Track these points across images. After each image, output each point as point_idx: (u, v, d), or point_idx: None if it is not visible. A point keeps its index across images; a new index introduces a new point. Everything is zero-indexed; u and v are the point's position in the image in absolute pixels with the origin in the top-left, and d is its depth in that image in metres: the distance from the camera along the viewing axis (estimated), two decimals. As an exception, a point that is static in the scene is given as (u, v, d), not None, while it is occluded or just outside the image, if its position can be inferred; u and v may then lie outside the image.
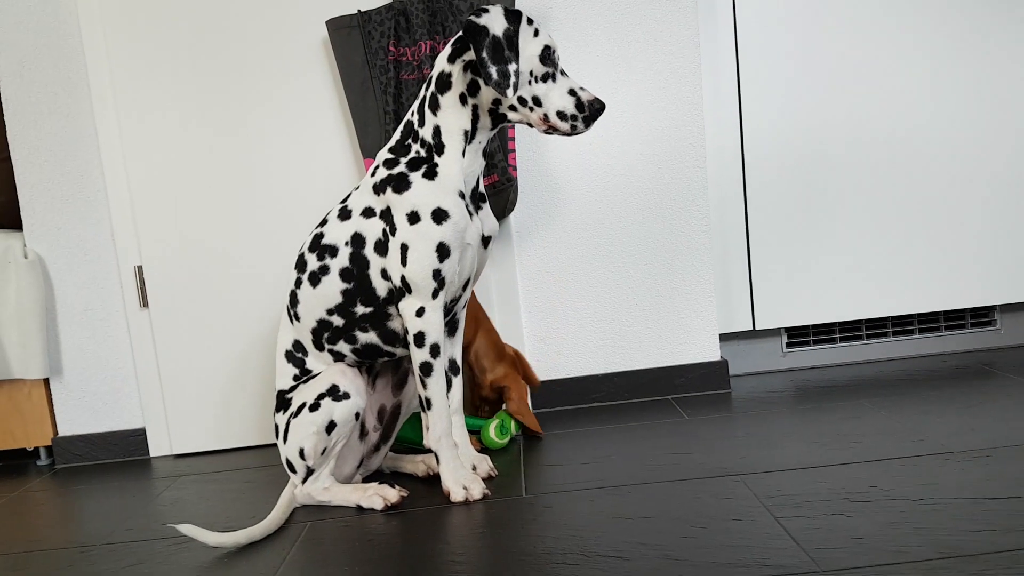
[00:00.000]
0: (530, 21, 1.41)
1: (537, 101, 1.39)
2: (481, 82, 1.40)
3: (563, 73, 1.42)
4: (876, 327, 2.23)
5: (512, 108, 1.41)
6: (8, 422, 2.10)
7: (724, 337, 2.22)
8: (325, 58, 1.95)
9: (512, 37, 1.37)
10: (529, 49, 1.39)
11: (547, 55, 1.39)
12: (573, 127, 1.39)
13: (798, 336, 2.24)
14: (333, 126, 1.98)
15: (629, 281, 2.07)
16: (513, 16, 1.38)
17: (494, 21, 1.37)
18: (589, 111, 1.39)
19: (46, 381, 2.10)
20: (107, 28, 1.95)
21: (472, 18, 1.36)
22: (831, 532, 1.18)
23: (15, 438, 2.11)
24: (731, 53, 2.09)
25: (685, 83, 2.01)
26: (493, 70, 1.35)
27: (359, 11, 1.85)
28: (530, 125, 1.42)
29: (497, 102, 1.41)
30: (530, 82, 1.39)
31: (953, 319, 2.23)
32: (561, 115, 1.39)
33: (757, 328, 2.17)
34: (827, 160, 2.11)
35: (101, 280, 2.06)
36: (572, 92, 1.39)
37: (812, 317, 2.17)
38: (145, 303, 2.04)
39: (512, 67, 1.36)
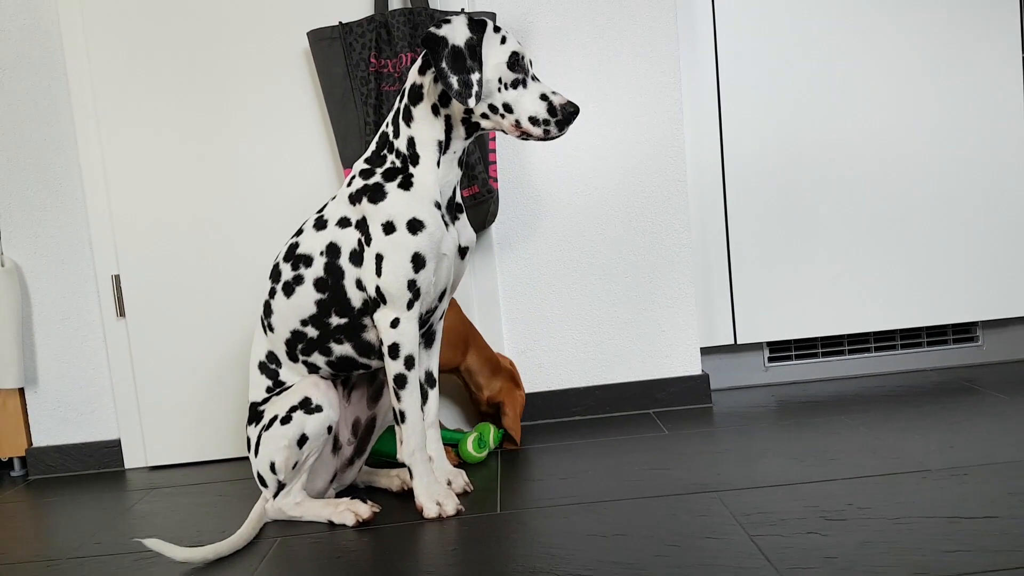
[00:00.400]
0: (497, 29, 1.40)
1: (508, 108, 1.38)
2: None
3: (535, 79, 1.41)
4: (858, 342, 2.23)
5: (484, 116, 1.41)
6: (-19, 432, 2.07)
7: (705, 351, 2.21)
8: (306, 69, 1.95)
9: (475, 46, 1.36)
10: (496, 56, 1.38)
11: (515, 61, 1.38)
12: (546, 132, 1.38)
13: (780, 351, 2.23)
14: (314, 137, 1.97)
15: (610, 294, 2.06)
16: (477, 25, 1.38)
17: (455, 31, 1.36)
18: (562, 115, 1.37)
19: (21, 391, 2.08)
20: (88, 37, 1.94)
21: (432, 29, 1.36)
22: (805, 551, 1.17)
23: (-12, 448, 2.08)
24: (711, 67, 2.09)
25: (665, 97, 2.01)
26: (453, 80, 1.34)
27: (340, 23, 1.84)
28: (505, 132, 1.42)
29: (469, 111, 1.41)
30: (499, 89, 1.38)
31: (935, 335, 2.23)
32: (533, 120, 1.38)
33: (739, 342, 2.17)
34: (809, 174, 2.11)
35: (78, 289, 2.04)
36: (544, 97, 1.38)
37: (794, 332, 2.16)
38: (122, 312, 2.02)
39: (474, 76, 1.35)
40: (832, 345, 2.23)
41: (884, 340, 2.23)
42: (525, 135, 1.39)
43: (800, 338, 2.19)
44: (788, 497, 1.38)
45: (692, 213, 2.13)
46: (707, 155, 2.12)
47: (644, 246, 2.04)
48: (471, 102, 1.35)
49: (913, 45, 2.09)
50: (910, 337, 2.23)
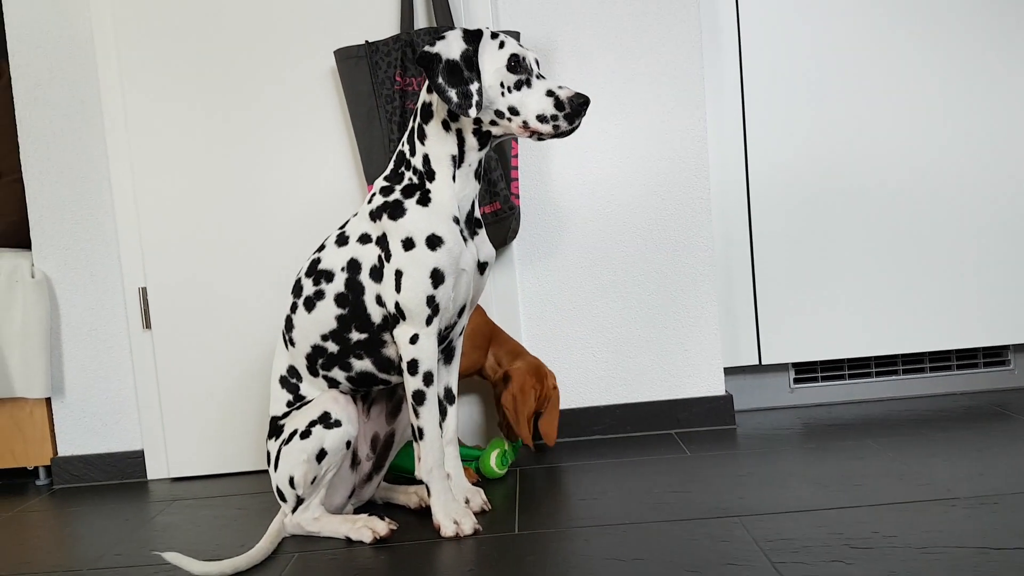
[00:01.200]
0: (495, 35, 1.40)
1: (514, 110, 1.38)
2: None
3: (540, 77, 1.40)
4: (886, 364, 2.19)
5: (492, 123, 1.40)
6: (9, 440, 2.10)
7: (729, 371, 2.18)
8: (333, 87, 1.97)
9: (470, 57, 1.36)
10: (495, 62, 1.38)
11: (515, 63, 1.37)
12: (556, 127, 1.36)
13: (806, 372, 2.20)
14: (339, 153, 1.98)
15: (632, 312, 2.04)
16: (471, 36, 1.38)
17: (450, 45, 1.37)
18: (570, 107, 1.35)
19: (48, 400, 2.10)
20: (120, 53, 1.98)
21: (425, 48, 1.37)
22: (828, 579, 1.14)
23: (15, 457, 2.11)
24: (736, 83, 2.08)
25: (689, 113, 2.00)
26: (452, 93, 1.34)
27: (367, 42, 1.86)
28: (516, 136, 1.41)
29: (478, 121, 1.41)
30: (503, 93, 1.38)
31: (965, 358, 2.18)
32: (541, 118, 1.36)
33: (764, 363, 2.14)
34: (836, 193, 2.09)
35: (106, 301, 2.07)
36: (550, 92, 1.37)
37: (820, 353, 2.13)
38: (148, 325, 2.04)
39: (473, 86, 1.35)
40: (859, 367, 2.19)
41: (912, 363, 2.19)
42: (536, 135, 1.38)
43: (827, 359, 2.16)
44: (812, 523, 1.35)
45: (716, 230, 2.11)
46: (731, 171, 2.10)
47: (667, 263, 2.03)
48: (472, 112, 1.35)
49: (940, 61, 2.06)
50: (939, 360, 2.18)
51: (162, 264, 2.02)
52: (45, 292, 2.04)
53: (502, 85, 1.38)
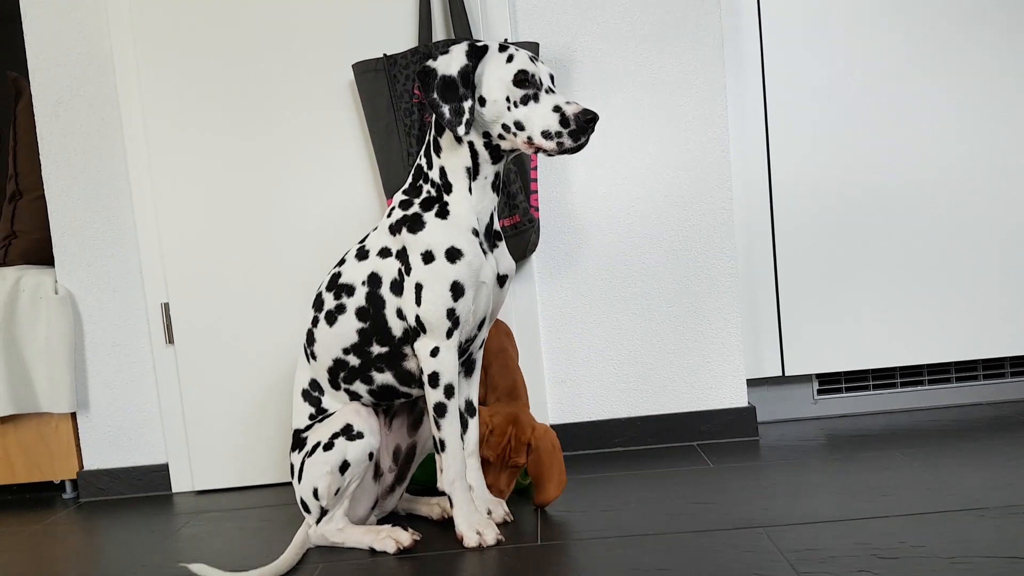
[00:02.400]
0: (503, 48, 1.40)
1: (520, 125, 1.37)
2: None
3: (551, 92, 1.38)
4: (911, 375, 2.16)
5: (500, 137, 1.40)
6: (35, 455, 2.12)
7: (752, 383, 2.17)
8: (351, 100, 1.99)
9: (468, 74, 1.36)
10: (503, 76, 1.37)
11: (523, 78, 1.36)
12: (560, 144, 1.34)
13: (830, 383, 2.18)
14: (359, 168, 2.00)
15: (653, 323, 2.03)
16: (475, 52, 1.38)
17: (451, 61, 1.38)
18: (576, 124, 1.33)
19: (73, 415, 2.13)
20: (140, 70, 2.01)
21: (427, 62, 1.38)
22: (856, 590, 1.13)
23: (42, 471, 2.13)
24: (759, 93, 2.08)
25: (711, 125, 2.00)
26: (445, 109, 1.35)
27: (385, 55, 1.87)
28: (522, 151, 1.40)
29: (487, 135, 1.41)
30: (509, 108, 1.37)
31: (992, 367, 2.15)
32: (546, 134, 1.35)
33: (787, 374, 2.12)
34: (859, 202, 2.07)
35: (129, 316, 2.10)
36: (556, 108, 1.35)
37: (844, 363, 2.11)
38: (171, 340, 2.06)
39: (467, 104, 1.35)
40: (884, 377, 2.17)
41: (938, 373, 2.16)
42: (541, 152, 1.37)
43: (851, 370, 2.14)
44: (838, 534, 1.34)
45: (738, 241, 2.10)
46: (754, 182, 2.09)
47: (689, 274, 2.02)
48: (460, 130, 1.35)
49: (966, 66, 2.05)
50: (965, 370, 2.16)
51: (184, 279, 2.04)
52: (69, 308, 2.07)
53: (508, 100, 1.37)
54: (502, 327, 1.83)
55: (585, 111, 1.33)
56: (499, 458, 1.59)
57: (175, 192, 2.03)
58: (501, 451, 1.58)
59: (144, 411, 2.11)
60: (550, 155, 1.38)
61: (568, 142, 1.34)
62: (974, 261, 2.08)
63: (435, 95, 1.36)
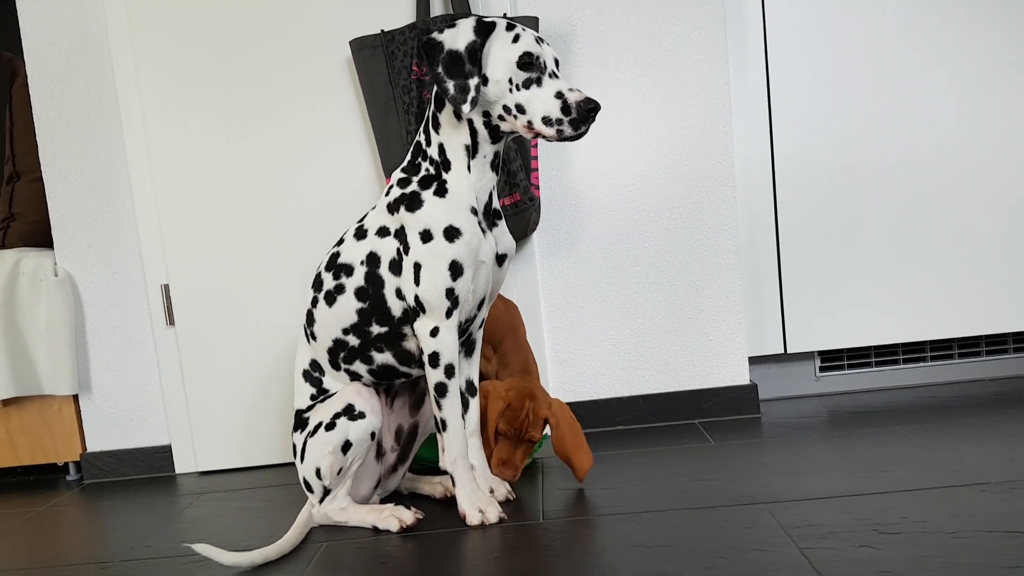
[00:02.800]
0: (510, 27, 1.37)
1: (521, 108, 1.35)
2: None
3: (554, 76, 1.36)
4: (913, 351, 2.16)
5: (501, 118, 1.39)
6: (38, 437, 2.13)
7: (754, 360, 2.17)
8: (349, 77, 1.97)
9: (475, 50, 1.34)
10: (507, 57, 1.35)
11: (528, 60, 1.34)
12: (559, 132, 1.33)
13: (831, 360, 2.17)
14: (357, 146, 1.99)
15: (655, 302, 2.03)
16: (483, 28, 1.36)
17: (458, 35, 1.35)
18: (577, 113, 1.31)
19: (75, 397, 2.13)
20: (136, 49, 1.99)
21: (432, 34, 1.36)
22: (858, 565, 1.13)
23: (45, 453, 2.14)
24: (761, 67, 2.06)
25: (713, 99, 1.98)
26: (449, 84, 1.33)
27: (382, 31, 1.85)
28: (522, 134, 1.39)
29: (487, 115, 1.39)
30: (511, 90, 1.35)
31: (994, 344, 2.15)
32: (546, 120, 1.33)
33: (789, 351, 2.12)
34: (862, 178, 2.06)
35: (129, 298, 2.09)
36: (559, 95, 1.33)
37: (846, 340, 2.11)
38: (171, 321, 2.06)
39: (472, 81, 1.33)
40: (886, 354, 2.16)
41: (940, 349, 2.16)
42: (540, 137, 1.36)
43: (853, 347, 2.14)
44: (840, 510, 1.34)
45: (740, 218, 2.09)
46: (756, 158, 2.08)
47: (690, 252, 2.01)
48: (466, 108, 1.33)
49: (971, 43, 2.02)
50: (968, 346, 2.15)
51: (184, 261, 2.03)
52: (69, 290, 2.07)
53: (511, 82, 1.35)
54: (512, 305, 1.82)
55: (588, 100, 1.31)
56: (515, 432, 1.58)
57: (173, 172, 2.02)
58: (518, 425, 1.57)
59: (146, 393, 2.11)
60: (549, 141, 1.36)
61: (568, 130, 1.33)
62: (977, 237, 2.06)
63: (439, 69, 1.34)
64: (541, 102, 1.33)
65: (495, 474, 1.58)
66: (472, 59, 1.34)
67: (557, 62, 1.39)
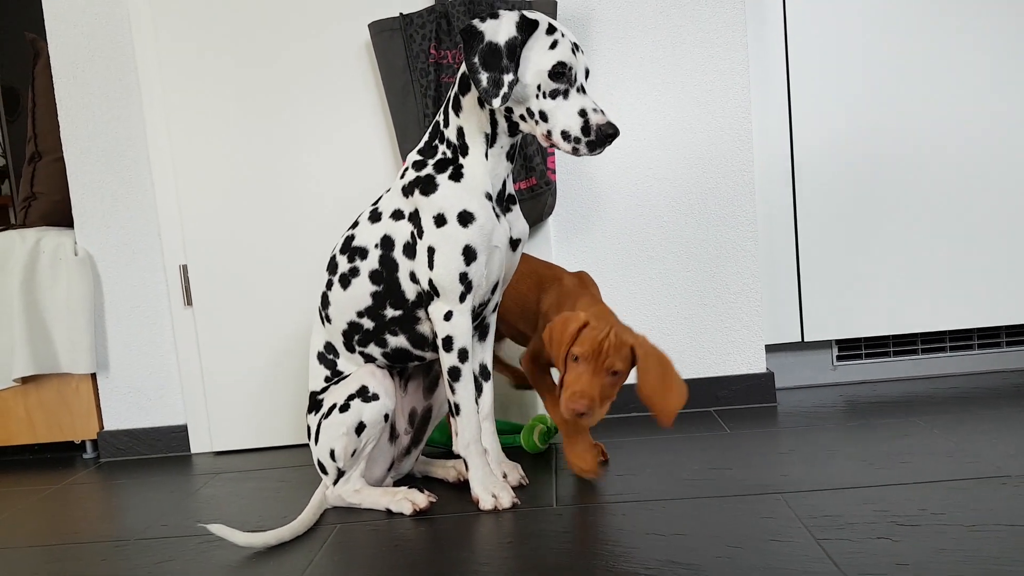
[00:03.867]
0: (551, 30, 1.34)
1: (543, 116, 1.33)
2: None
3: (581, 90, 1.34)
4: (933, 341, 2.13)
5: (522, 118, 1.37)
6: (56, 415, 2.15)
7: (771, 348, 2.15)
8: (367, 60, 1.96)
9: (515, 47, 1.31)
10: (541, 62, 1.32)
11: (560, 71, 1.31)
12: (575, 149, 1.32)
13: (849, 349, 2.15)
14: (375, 129, 1.98)
15: (671, 288, 2.01)
16: (526, 25, 1.33)
17: (499, 28, 1.32)
18: (596, 136, 1.31)
19: (93, 376, 2.15)
20: (157, 32, 1.99)
21: (475, 21, 1.33)
22: (875, 557, 1.12)
23: (63, 431, 2.16)
24: (780, 53, 2.02)
25: (732, 85, 1.95)
26: (483, 76, 1.31)
27: (401, 14, 1.84)
28: (537, 139, 1.37)
29: (509, 111, 1.37)
30: (537, 96, 1.33)
31: (1015, 334, 2.12)
32: (565, 135, 1.32)
33: (806, 340, 2.10)
34: (882, 166, 2.03)
35: (148, 278, 2.10)
36: (583, 112, 1.32)
37: (864, 329, 2.08)
38: (189, 301, 2.07)
39: (507, 77, 1.31)
40: (905, 344, 2.14)
41: (960, 339, 2.13)
42: (554, 147, 1.35)
43: (871, 336, 2.11)
44: (857, 500, 1.33)
45: (758, 204, 2.07)
46: (775, 144, 2.05)
47: (707, 238, 1.99)
48: (496, 103, 1.31)
49: (991, 32, 1.98)
50: (988, 336, 2.12)
51: (202, 242, 2.03)
52: (88, 270, 2.08)
53: (539, 88, 1.33)
54: (584, 275, 1.64)
55: (609, 124, 1.31)
56: (594, 355, 1.33)
57: (193, 153, 2.02)
58: (598, 346, 1.33)
59: (163, 372, 2.12)
60: (563, 152, 1.35)
61: (584, 150, 1.32)
62: (997, 227, 2.03)
63: (476, 59, 1.32)
64: (564, 116, 1.32)
65: (563, 409, 1.35)
66: (511, 55, 1.31)
67: (587, 72, 1.38)
